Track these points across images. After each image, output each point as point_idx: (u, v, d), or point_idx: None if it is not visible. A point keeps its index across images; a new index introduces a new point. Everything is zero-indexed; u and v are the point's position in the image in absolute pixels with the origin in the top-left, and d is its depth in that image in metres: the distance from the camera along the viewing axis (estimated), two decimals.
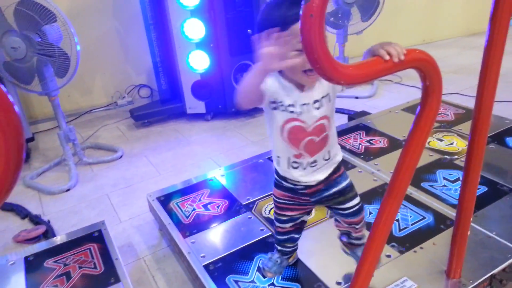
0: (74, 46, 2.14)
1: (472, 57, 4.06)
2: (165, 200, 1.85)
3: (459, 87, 3.26)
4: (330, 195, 1.20)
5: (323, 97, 1.05)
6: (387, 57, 0.80)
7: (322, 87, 1.05)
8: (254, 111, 3.13)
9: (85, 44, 3.24)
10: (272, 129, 1.11)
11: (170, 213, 1.76)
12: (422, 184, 1.80)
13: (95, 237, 1.62)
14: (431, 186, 1.78)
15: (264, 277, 1.37)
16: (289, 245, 1.34)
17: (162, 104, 3.15)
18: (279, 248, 1.36)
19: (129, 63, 3.59)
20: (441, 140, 2.15)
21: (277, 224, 1.29)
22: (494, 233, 1.48)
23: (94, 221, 1.75)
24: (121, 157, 2.64)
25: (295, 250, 1.40)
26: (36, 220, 2.03)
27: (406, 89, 3.39)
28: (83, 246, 1.57)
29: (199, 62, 2.87)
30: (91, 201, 2.20)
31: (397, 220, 1.58)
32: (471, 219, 1.53)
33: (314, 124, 1.07)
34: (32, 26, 2.04)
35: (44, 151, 2.83)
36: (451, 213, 1.58)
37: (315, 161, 1.13)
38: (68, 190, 2.31)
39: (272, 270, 1.36)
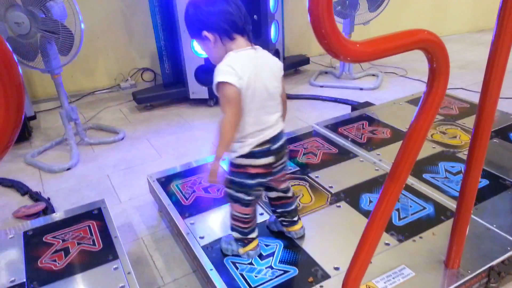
0: (78, 23, 2.13)
1: (479, 53, 4.03)
2: (165, 181, 1.85)
3: (465, 82, 3.24)
4: None
5: None
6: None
7: None
8: None
9: (90, 24, 3.21)
10: None
11: (170, 194, 1.76)
12: (423, 175, 1.79)
13: (95, 214, 1.62)
14: (433, 177, 1.78)
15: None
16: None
17: (165, 88, 3.14)
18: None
19: (133, 46, 3.57)
20: (444, 133, 2.14)
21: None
22: (494, 225, 1.48)
23: (94, 200, 1.75)
24: (122, 138, 2.64)
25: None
26: (36, 197, 2.03)
27: (410, 82, 3.37)
28: (83, 223, 1.57)
29: None
30: (92, 180, 2.20)
31: (397, 210, 1.58)
32: (472, 211, 1.54)
33: None
34: (36, 1, 2.02)
35: (45, 130, 2.83)
36: (451, 204, 1.58)
37: None
38: (69, 169, 2.31)
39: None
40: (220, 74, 1.11)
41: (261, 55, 1.20)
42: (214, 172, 1.17)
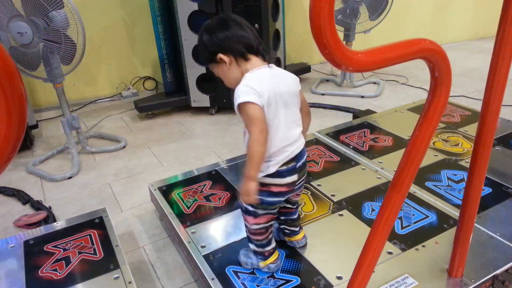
0: (80, 33, 2.14)
1: (480, 60, 4.03)
2: (166, 190, 1.85)
3: (466, 90, 3.24)
4: None
5: None
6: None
7: None
8: None
9: (92, 33, 3.25)
10: None
11: (171, 203, 1.75)
12: (426, 183, 1.78)
13: (96, 223, 1.62)
14: (435, 185, 1.77)
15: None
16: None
17: (167, 96, 3.15)
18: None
19: (135, 55, 3.59)
20: (446, 141, 2.13)
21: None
22: (498, 234, 1.47)
23: (95, 209, 1.75)
24: (124, 147, 2.64)
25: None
26: (37, 206, 2.03)
27: (412, 90, 3.37)
28: (84, 232, 1.57)
29: None
30: (93, 189, 2.19)
31: (400, 218, 1.57)
32: (475, 219, 1.53)
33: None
34: (39, 11, 2.04)
35: (47, 139, 2.83)
36: (454, 213, 1.57)
37: None
38: (70, 177, 2.30)
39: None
40: (241, 96, 1.11)
41: (277, 72, 1.21)
42: (247, 191, 1.14)
